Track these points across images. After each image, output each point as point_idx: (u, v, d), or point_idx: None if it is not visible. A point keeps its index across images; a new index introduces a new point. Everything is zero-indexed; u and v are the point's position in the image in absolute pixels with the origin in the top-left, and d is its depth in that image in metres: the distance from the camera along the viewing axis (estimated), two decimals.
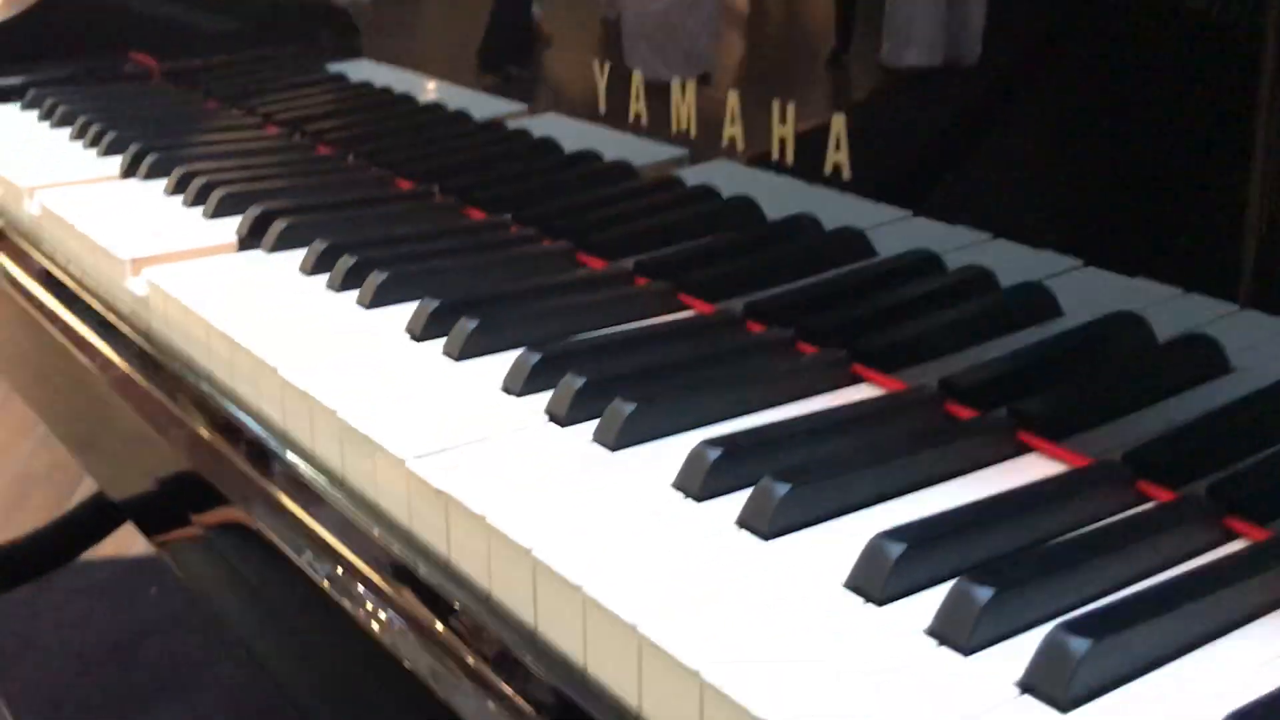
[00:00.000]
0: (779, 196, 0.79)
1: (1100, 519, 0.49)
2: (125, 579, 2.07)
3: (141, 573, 2.09)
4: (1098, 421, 0.56)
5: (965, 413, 0.57)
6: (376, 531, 0.56)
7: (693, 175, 0.85)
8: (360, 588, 0.55)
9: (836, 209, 0.74)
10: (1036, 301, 0.64)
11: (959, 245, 0.69)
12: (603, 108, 0.87)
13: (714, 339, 0.65)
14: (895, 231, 0.72)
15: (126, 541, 1.99)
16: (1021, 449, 0.55)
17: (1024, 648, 0.42)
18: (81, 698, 1.79)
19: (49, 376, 0.91)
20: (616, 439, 0.56)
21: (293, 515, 0.60)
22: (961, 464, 0.54)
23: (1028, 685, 0.40)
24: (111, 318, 0.81)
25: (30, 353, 0.93)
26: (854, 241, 0.73)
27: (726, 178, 0.82)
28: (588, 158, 0.91)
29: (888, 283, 0.68)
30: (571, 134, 0.94)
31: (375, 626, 0.54)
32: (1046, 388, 0.58)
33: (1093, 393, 0.57)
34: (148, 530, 0.80)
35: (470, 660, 0.49)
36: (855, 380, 0.62)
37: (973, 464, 0.54)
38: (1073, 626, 0.40)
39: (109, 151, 1.05)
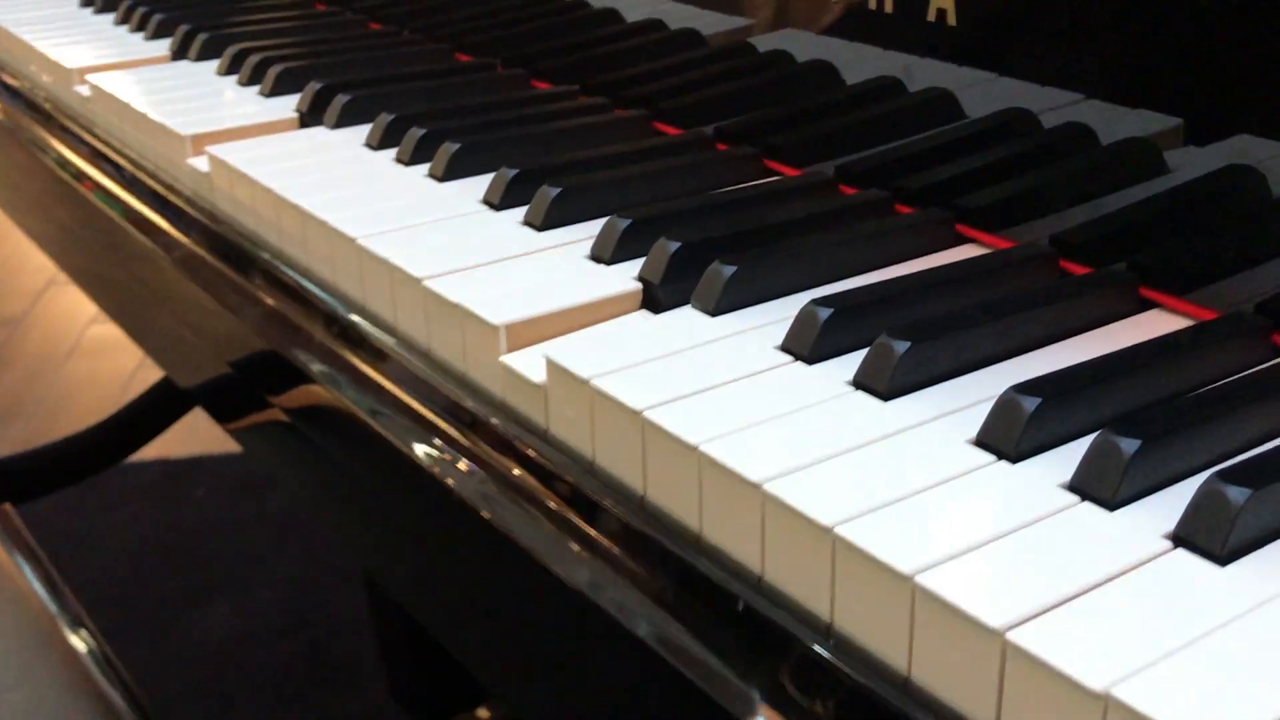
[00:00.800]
0: (851, 63, 0.76)
1: (1238, 371, 0.47)
2: (171, 481, 2.08)
3: (187, 475, 2.10)
4: (1222, 274, 0.53)
5: (1080, 270, 0.55)
6: (468, 401, 0.54)
7: (761, 44, 0.82)
8: (450, 451, 0.53)
9: (911, 75, 0.71)
10: (1142, 158, 0.62)
11: (1051, 106, 0.67)
12: None
13: (808, 202, 0.62)
14: (983, 94, 0.69)
15: (171, 445, 2.00)
16: (1143, 305, 0.53)
17: (1171, 502, 0.40)
18: (137, 596, 1.80)
19: (109, 262, 0.89)
20: (717, 303, 0.54)
21: (376, 385, 0.58)
22: (1082, 320, 0.51)
23: (1181, 538, 0.38)
24: (173, 198, 0.78)
25: (88, 240, 0.91)
26: (943, 102, 0.70)
27: (794, 45, 0.79)
28: (652, 27, 0.88)
29: (986, 141, 0.65)
30: (631, 4, 0.91)
31: (458, 486, 0.52)
32: (1164, 242, 0.55)
33: (1215, 245, 0.55)
34: (220, 416, 0.79)
35: (583, 527, 0.47)
36: (960, 240, 0.59)
37: (1094, 320, 0.52)
38: (1229, 476, 0.38)
39: (157, 35, 1.02)
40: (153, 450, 1.85)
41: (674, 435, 0.45)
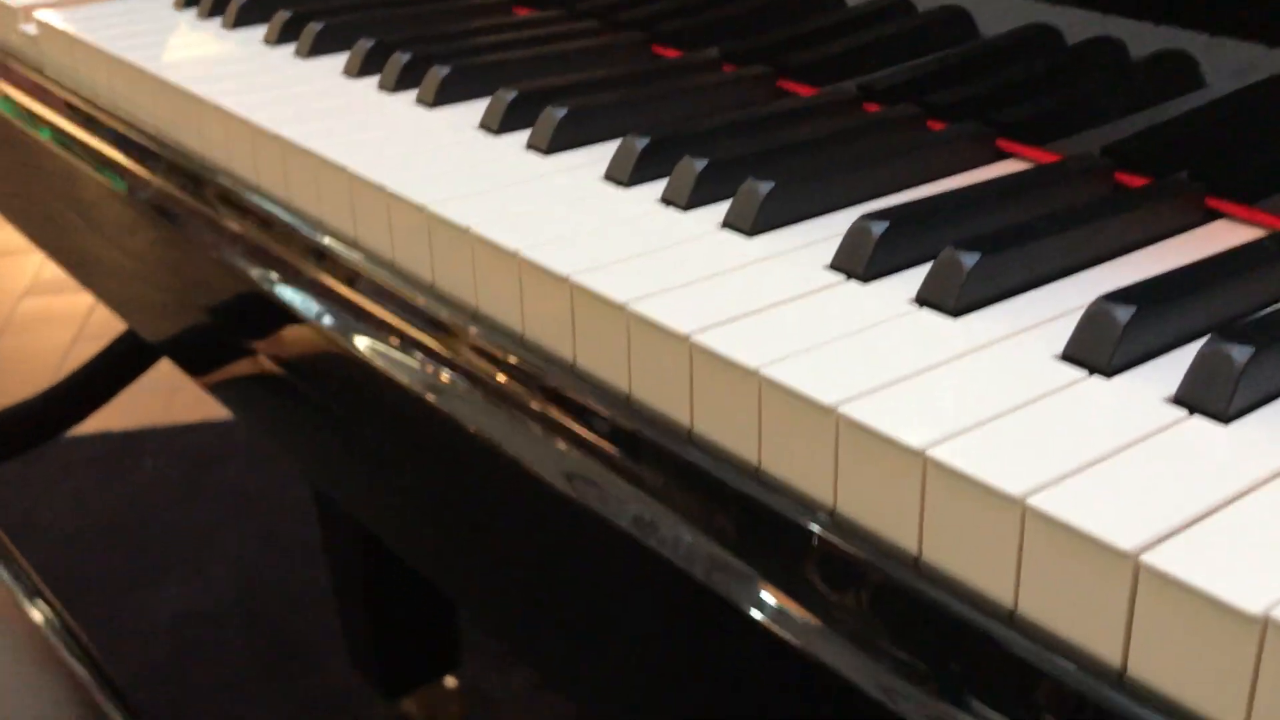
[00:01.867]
0: None
1: None
2: (116, 454, 2.00)
3: (132, 446, 2.02)
4: None
5: (1137, 181, 0.51)
6: (475, 330, 0.50)
7: None
8: (452, 374, 0.49)
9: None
10: (1179, 70, 0.58)
11: (1071, 23, 0.63)
12: None
13: (835, 119, 0.59)
14: (998, 9, 0.65)
15: (113, 417, 1.92)
16: (1210, 215, 0.49)
17: None
18: (90, 575, 1.73)
19: (63, 210, 0.83)
20: (754, 222, 0.49)
21: (377, 322, 0.54)
22: (1148, 232, 0.48)
23: None
24: (136, 136, 0.73)
25: (43, 189, 0.85)
26: (957, 19, 0.66)
27: None
28: None
29: (1013, 56, 0.61)
30: None
31: (479, 426, 0.48)
32: (1226, 151, 0.52)
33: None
34: (192, 369, 0.73)
35: (628, 464, 0.43)
36: (1000, 155, 0.56)
37: (1161, 232, 0.48)
38: None
39: None
40: (93, 424, 1.78)
41: (730, 359, 0.41)
